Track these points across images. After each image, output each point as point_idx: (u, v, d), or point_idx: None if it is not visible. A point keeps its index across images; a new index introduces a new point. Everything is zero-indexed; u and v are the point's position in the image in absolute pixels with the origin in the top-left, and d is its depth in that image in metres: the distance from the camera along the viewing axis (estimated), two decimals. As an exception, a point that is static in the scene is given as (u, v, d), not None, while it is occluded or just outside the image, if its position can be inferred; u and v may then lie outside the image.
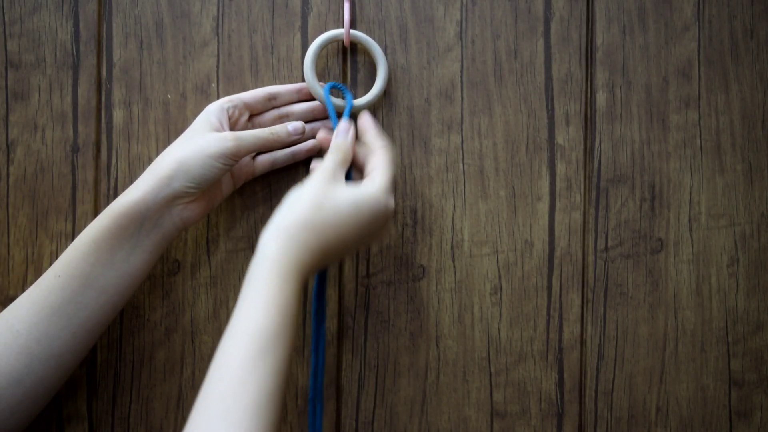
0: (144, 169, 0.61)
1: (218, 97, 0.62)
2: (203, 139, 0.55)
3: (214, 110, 0.57)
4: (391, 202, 0.54)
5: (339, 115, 0.60)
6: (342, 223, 0.51)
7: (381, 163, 0.55)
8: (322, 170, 0.53)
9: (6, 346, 0.51)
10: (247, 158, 0.60)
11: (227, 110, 0.57)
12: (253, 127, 0.60)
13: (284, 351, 0.46)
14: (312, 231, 0.50)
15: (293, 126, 0.59)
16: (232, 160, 0.55)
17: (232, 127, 0.58)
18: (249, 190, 0.62)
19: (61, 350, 0.53)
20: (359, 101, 0.61)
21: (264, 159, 0.61)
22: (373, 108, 0.62)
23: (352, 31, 0.60)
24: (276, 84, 0.62)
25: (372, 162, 0.55)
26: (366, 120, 0.59)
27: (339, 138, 0.56)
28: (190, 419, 0.43)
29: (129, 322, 0.62)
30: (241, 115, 0.59)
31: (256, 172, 0.61)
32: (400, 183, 0.63)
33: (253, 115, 0.60)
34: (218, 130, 0.56)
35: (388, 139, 0.59)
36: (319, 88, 0.60)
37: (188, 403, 0.61)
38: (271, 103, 0.60)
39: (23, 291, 0.61)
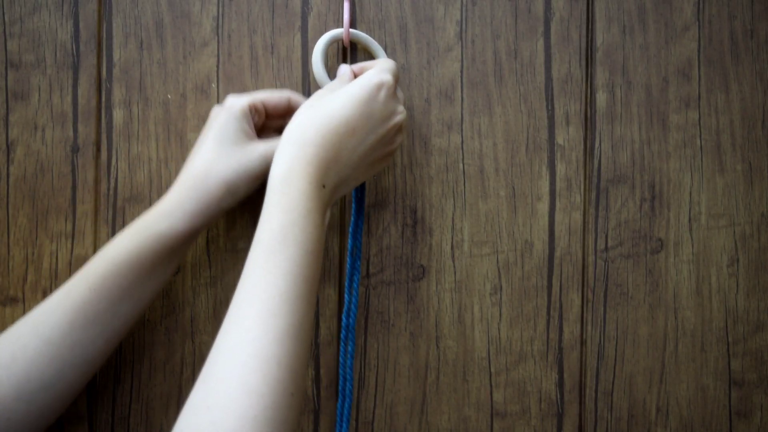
0: (144, 169, 0.61)
1: (218, 98, 0.62)
2: (245, 157, 0.54)
3: (243, 115, 0.56)
4: (386, 77, 0.54)
5: None
6: (335, 107, 0.51)
7: (377, 62, 0.57)
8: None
9: (38, 354, 0.50)
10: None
11: (254, 117, 0.57)
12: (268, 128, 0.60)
13: (296, 249, 0.46)
14: (305, 127, 0.50)
15: None
16: None
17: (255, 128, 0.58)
18: (249, 190, 0.62)
19: (93, 356, 0.53)
20: None
21: None
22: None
23: (352, 30, 0.60)
24: (277, 83, 0.62)
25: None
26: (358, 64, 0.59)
27: (338, 70, 0.58)
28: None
29: (129, 322, 0.62)
30: (260, 119, 0.58)
31: None
32: (400, 183, 0.63)
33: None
34: (251, 137, 0.56)
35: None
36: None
37: (188, 403, 0.61)
38: (291, 107, 0.59)
39: (23, 291, 0.61)
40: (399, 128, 0.55)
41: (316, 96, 0.54)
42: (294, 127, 0.51)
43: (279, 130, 0.59)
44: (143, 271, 0.53)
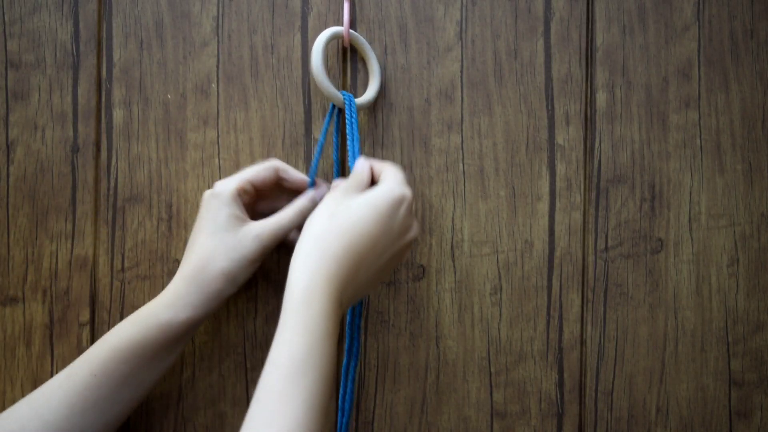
0: (144, 169, 0.62)
1: (218, 98, 0.62)
2: (239, 244, 0.54)
3: (233, 200, 0.56)
4: (407, 192, 0.53)
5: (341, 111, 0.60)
6: (358, 220, 0.50)
7: (390, 169, 0.55)
8: (333, 190, 0.54)
9: None
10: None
11: (243, 199, 0.57)
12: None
13: (315, 376, 0.45)
14: (328, 240, 0.49)
15: (320, 194, 0.58)
16: (269, 252, 0.56)
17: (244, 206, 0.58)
18: (249, 190, 0.62)
19: None
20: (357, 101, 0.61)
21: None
22: (373, 108, 0.62)
23: (352, 32, 0.60)
24: (276, 83, 0.62)
25: (382, 174, 0.55)
26: (369, 162, 0.58)
27: (355, 166, 0.56)
28: None
29: (129, 322, 0.61)
30: (250, 199, 0.58)
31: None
32: (400, 183, 0.63)
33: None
34: (243, 220, 0.56)
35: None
36: (332, 87, 0.59)
37: (187, 403, 0.61)
38: (279, 178, 0.59)
39: (23, 291, 0.61)
40: (411, 244, 0.55)
41: (335, 200, 0.52)
42: (315, 236, 0.50)
43: (272, 202, 0.60)
44: (145, 358, 0.53)
